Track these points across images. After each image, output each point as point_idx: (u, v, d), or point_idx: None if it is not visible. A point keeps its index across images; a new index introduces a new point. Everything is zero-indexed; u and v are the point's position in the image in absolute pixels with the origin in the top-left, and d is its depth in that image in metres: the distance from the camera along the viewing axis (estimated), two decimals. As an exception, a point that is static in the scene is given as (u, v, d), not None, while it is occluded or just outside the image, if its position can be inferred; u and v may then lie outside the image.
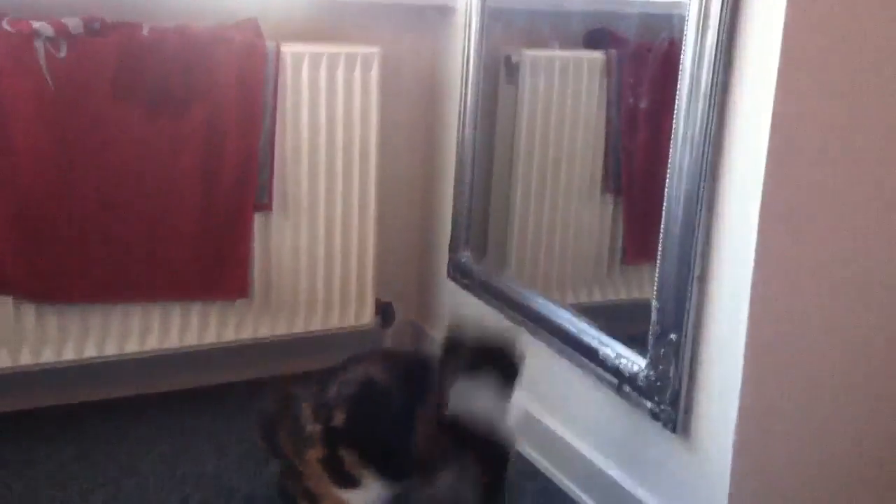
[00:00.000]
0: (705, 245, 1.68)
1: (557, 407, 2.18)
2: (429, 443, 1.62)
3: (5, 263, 2.10)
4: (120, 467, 2.09)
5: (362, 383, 1.69)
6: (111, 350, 2.25)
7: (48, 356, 2.19)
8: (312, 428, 1.67)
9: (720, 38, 1.60)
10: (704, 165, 1.65)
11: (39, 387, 2.29)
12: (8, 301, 2.13)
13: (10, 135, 2.05)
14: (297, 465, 1.69)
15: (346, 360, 1.74)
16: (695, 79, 1.64)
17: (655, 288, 1.78)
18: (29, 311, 2.16)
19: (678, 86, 1.68)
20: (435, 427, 1.61)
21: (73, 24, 2.08)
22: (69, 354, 2.21)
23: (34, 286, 2.14)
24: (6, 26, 2.02)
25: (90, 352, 2.23)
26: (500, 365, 1.65)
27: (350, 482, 1.66)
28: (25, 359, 2.17)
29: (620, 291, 2.35)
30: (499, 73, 2.41)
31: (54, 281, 2.15)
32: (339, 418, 1.66)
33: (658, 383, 1.79)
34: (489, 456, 1.65)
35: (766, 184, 1.56)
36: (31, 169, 2.08)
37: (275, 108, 2.29)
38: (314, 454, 1.67)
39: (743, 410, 1.65)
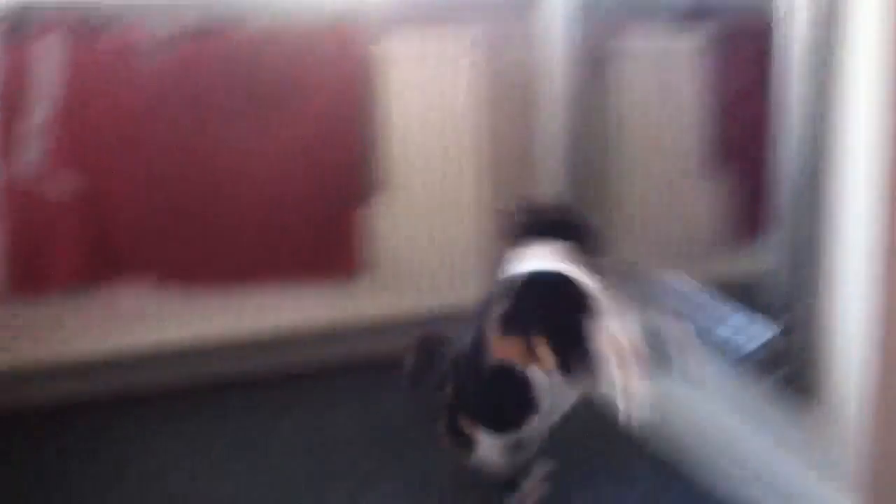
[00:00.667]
0: (822, 213, 1.64)
1: (679, 380, 2.16)
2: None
3: (136, 250, 2.23)
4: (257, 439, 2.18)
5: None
6: (235, 329, 2.36)
7: (181, 334, 2.32)
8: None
9: (828, 6, 1.55)
10: (815, 140, 1.61)
11: (176, 365, 2.40)
12: (140, 284, 2.27)
13: (134, 130, 2.16)
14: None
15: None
16: (801, 51, 1.60)
17: (777, 258, 1.75)
18: (161, 294, 2.29)
19: (782, 60, 1.65)
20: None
21: (175, 30, 2.16)
22: (199, 332, 2.34)
23: (163, 270, 2.27)
24: (115, 37, 2.12)
25: (217, 330, 2.34)
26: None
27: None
28: (163, 337, 2.31)
29: (739, 267, 2.31)
30: (595, 55, 2.39)
31: (183, 265, 2.27)
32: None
33: (787, 352, 1.76)
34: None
35: (880, 147, 1.52)
36: (157, 162, 2.19)
37: (378, 95, 2.34)
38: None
39: (875, 376, 1.62)
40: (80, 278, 2.19)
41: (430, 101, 2.39)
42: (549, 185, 2.59)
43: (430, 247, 2.48)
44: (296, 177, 2.31)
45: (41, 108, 2.09)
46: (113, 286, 2.24)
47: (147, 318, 2.28)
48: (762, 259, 1.87)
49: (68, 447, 2.15)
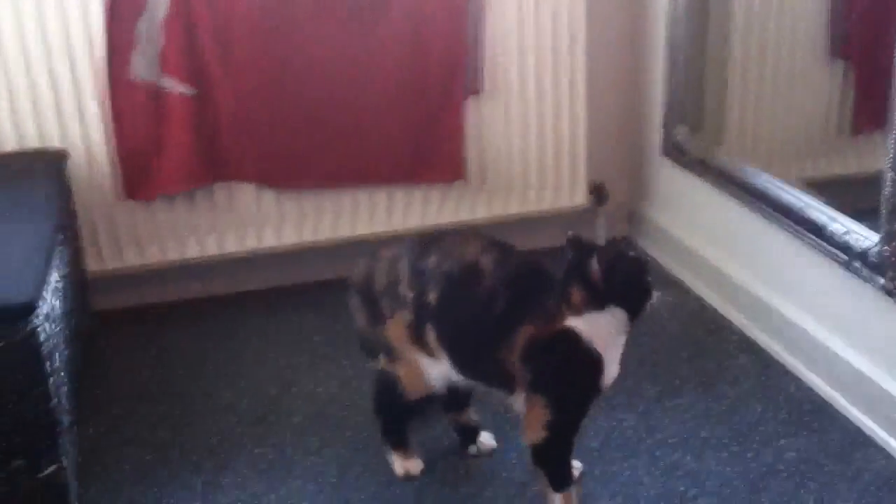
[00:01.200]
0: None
1: (780, 283, 2.13)
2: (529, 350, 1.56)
3: (244, 154, 2.30)
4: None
5: (465, 267, 1.59)
6: (343, 232, 2.42)
7: (288, 238, 2.39)
8: (406, 293, 1.62)
9: None
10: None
11: (284, 266, 2.50)
12: (250, 187, 2.33)
13: (242, 40, 2.21)
14: (387, 318, 1.66)
15: (452, 231, 1.67)
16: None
17: (889, 157, 1.68)
18: (269, 196, 2.35)
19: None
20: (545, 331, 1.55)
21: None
22: (307, 236, 2.41)
23: (271, 174, 2.34)
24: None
25: (324, 234, 2.41)
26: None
27: (428, 352, 1.63)
28: (269, 241, 2.38)
29: (849, 163, 2.23)
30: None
31: (288, 168, 2.34)
32: (432, 296, 1.59)
33: (893, 258, 1.71)
34: None
35: None
36: (260, 67, 2.24)
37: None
38: (405, 316, 1.62)
39: None
40: (190, 183, 2.28)
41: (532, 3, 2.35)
42: (656, 88, 2.52)
43: (528, 151, 2.47)
44: (398, 79, 2.32)
45: (157, 7, 2.15)
46: (220, 190, 2.32)
47: (253, 222, 2.36)
48: (878, 155, 1.81)
49: (178, 342, 2.30)
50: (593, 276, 1.52)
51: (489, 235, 1.66)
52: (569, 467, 1.64)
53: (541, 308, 1.55)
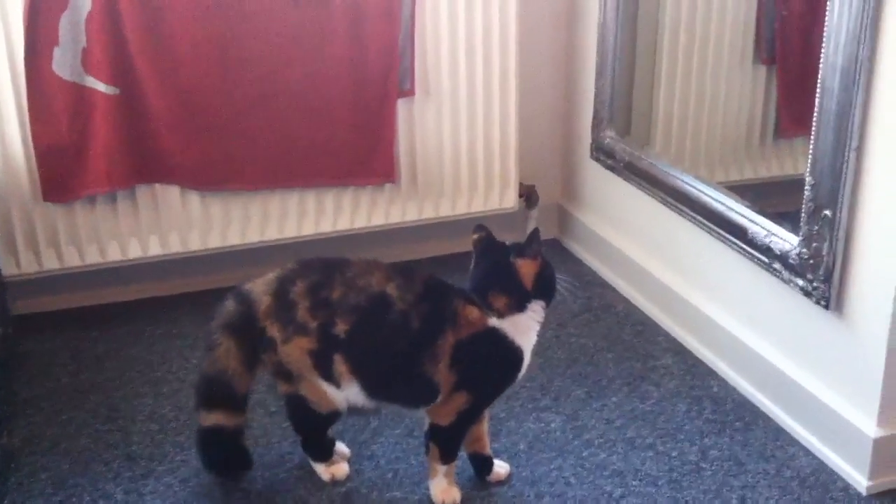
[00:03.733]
0: (863, 115, 1.61)
1: (704, 286, 2.17)
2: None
3: (170, 155, 2.25)
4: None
5: (374, 298, 1.59)
6: (271, 235, 2.38)
7: (215, 241, 2.35)
8: (308, 320, 1.60)
9: None
10: (863, 31, 1.56)
11: (209, 269, 2.46)
12: (175, 189, 2.28)
13: (167, 33, 2.16)
14: (277, 341, 1.63)
15: (348, 260, 1.66)
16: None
17: (809, 162, 1.72)
18: (194, 199, 2.31)
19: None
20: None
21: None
22: (234, 239, 2.36)
23: (197, 175, 2.29)
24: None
25: (253, 236, 2.37)
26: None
27: (334, 382, 1.63)
28: (194, 244, 2.33)
29: (772, 167, 2.28)
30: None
31: (215, 170, 2.29)
32: (341, 328, 1.58)
33: (811, 260, 1.75)
34: None
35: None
36: (188, 66, 2.19)
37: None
38: (304, 343, 1.61)
39: (901, 287, 1.60)
40: (112, 184, 2.21)
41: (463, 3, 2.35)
42: (586, 92, 2.55)
43: (459, 154, 2.47)
44: (329, 80, 2.30)
45: (81, 3, 2.09)
46: (144, 192, 2.27)
47: (177, 225, 2.31)
48: (799, 160, 1.84)
49: (99, 347, 2.25)
50: (524, 282, 1.60)
51: (386, 263, 1.68)
52: (460, 444, 1.71)
53: (454, 316, 1.60)
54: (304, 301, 1.61)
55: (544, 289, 1.63)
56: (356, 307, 1.60)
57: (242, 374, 1.70)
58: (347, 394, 1.65)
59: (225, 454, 1.76)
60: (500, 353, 1.63)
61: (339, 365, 1.62)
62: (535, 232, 1.62)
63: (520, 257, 1.61)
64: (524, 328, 1.63)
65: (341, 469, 1.78)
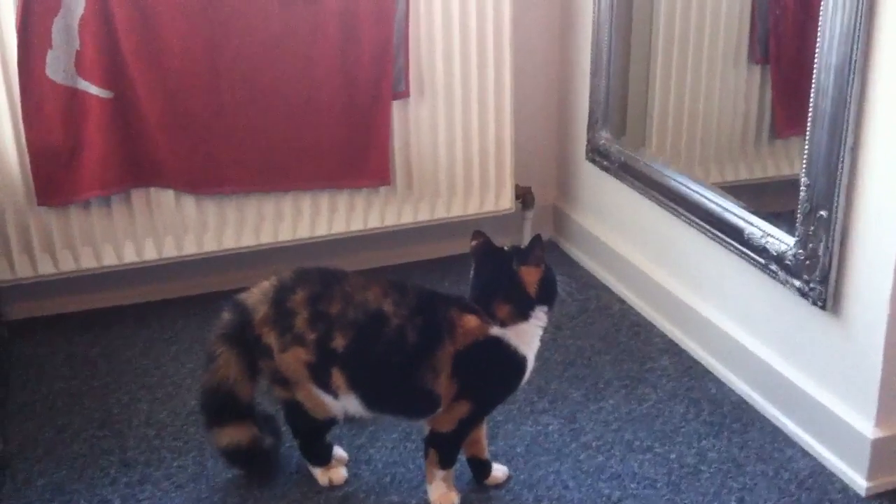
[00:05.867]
0: (858, 115, 1.60)
1: (701, 286, 2.16)
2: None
3: (164, 158, 2.24)
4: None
5: (371, 315, 1.59)
6: (266, 238, 2.38)
7: (209, 245, 2.34)
8: (306, 332, 1.60)
9: None
10: (857, 30, 1.56)
11: (205, 273, 2.45)
12: (168, 193, 2.27)
13: (159, 36, 2.15)
14: (274, 349, 1.63)
15: (346, 273, 1.67)
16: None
17: (805, 162, 1.72)
18: (189, 202, 2.30)
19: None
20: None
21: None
22: (229, 243, 2.35)
23: (191, 178, 2.28)
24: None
25: (248, 240, 2.36)
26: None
27: (331, 393, 1.63)
28: (189, 248, 2.32)
29: (767, 168, 2.28)
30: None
31: (209, 173, 2.28)
32: (339, 342, 1.58)
33: (807, 261, 1.74)
34: None
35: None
36: (180, 68, 2.19)
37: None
38: (301, 354, 1.61)
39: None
40: (106, 188, 2.20)
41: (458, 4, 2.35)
42: (581, 94, 2.54)
43: (454, 156, 2.46)
44: (324, 83, 2.29)
45: (74, 7, 2.08)
46: (138, 196, 2.26)
47: (172, 229, 2.30)
48: (794, 160, 1.84)
49: (94, 352, 2.24)
50: (528, 290, 1.59)
51: (383, 276, 1.69)
52: (459, 449, 1.71)
53: (451, 326, 1.60)
54: (302, 311, 1.61)
55: (547, 294, 1.62)
56: (354, 322, 1.59)
57: (244, 383, 1.69)
58: (345, 404, 1.65)
59: (250, 465, 1.78)
60: (503, 361, 1.61)
61: (337, 378, 1.61)
62: (537, 238, 1.60)
63: (523, 265, 1.59)
64: (527, 336, 1.62)
65: (339, 474, 1.77)
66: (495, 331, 1.60)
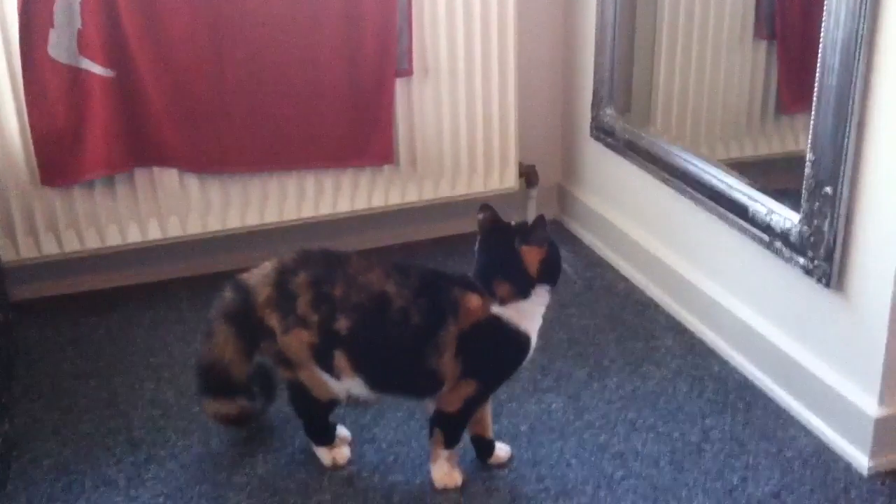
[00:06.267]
0: (864, 91, 1.59)
1: (705, 264, 2.15)
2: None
3: (168, 138, 2.23)
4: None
5: (375, 297, 1.59)
6: (271, 217, 2.37)
7: (213, 224, 2.34)
8: (309, 314, 1.60)
9: None
10: (864, 6, 1.54)
11: (209, 253, 2.45)
12: (172, 173, 2.27)
13: (162, 15, 2.14)
14: (277, 330, 1.63)
15: (349, 254, 1.67)
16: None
17: (810, 139, 1.70)
18: (193, 182, 2.29)
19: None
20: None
21: None
22: (233, 223, 2.35)
23: (195, 158, 2.27)
24: None
25: (252, 219, 2.36)
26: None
27: (334, 374, 1.64)
28: (194, 227, 2.33)
29: (773, 144, 2.26)
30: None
31: (213, 152, 2.28)
32: (343, 324, 1.59)
33: (812, 238, 1.74)
34: None
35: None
36: (183, 47, 2.18)
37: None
38: (305, 336, 1.61)
39: (901, 266, 1.59)
40: (110, 168, 2.21)
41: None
42: (585, 71, 2.53)
43: (458, 135, 2.45)
44: (328, 61, 2.28)
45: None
46: (142, 176, 2.26)
47: (176, 209, 2.30)
48: (800, 136, 1.83)
49: (100, 332, 2.25)
50: (530, 269, 1.58)
51: (384, 258, 1.68)
52: (464, 428, 1.71)
53: (454, 306, 1.60)
54: (305, 293, 1.61)
55: (549, 273, 1.61)
56: (357, 305, 1.59)
57: (239, 363, 1.71)
58: (348, 385, 1.65)
59: (237, 426, 1.84)
60: (505, 340, 1.62)
61: (340, 360, 1.62)
62: (541, 218, 1.59)
63: (525, 244, 1.58)
64: (529, 314, 1.62)
65: (343, 453, 1.78)
66: (496, 309, 1.59)
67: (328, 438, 1.78)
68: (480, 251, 1.64)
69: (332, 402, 1.71)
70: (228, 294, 1.69)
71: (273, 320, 1.63)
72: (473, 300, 1.59)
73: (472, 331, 1.59)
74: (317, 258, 1.66)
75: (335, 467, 1.77)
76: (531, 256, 1.58)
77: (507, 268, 1.59)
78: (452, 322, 1.59)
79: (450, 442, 1.69)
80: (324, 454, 1.78)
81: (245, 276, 1.69)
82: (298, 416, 1.79)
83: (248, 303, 1.65)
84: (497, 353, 1.64)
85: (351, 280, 1.61)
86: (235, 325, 1.68)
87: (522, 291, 1.59)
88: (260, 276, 1.67)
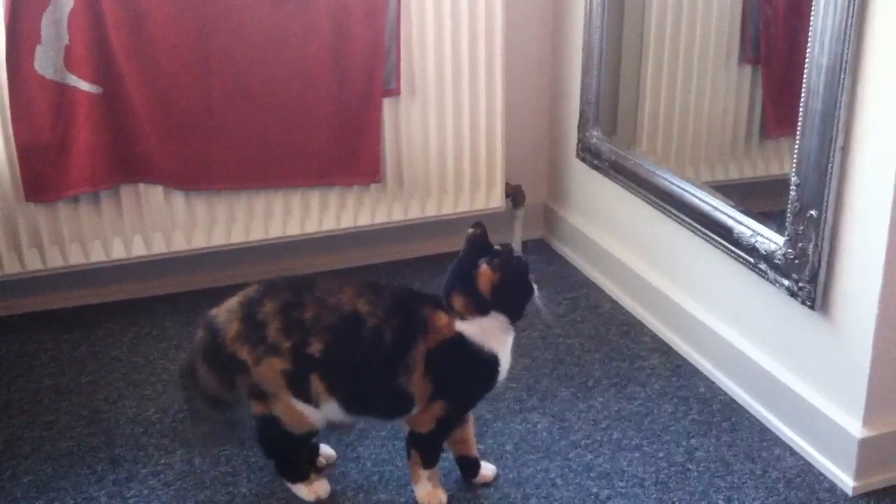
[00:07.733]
0: (848, 115, 1.61)
1: (691, 285, 2.16)
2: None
3: (154, 154, 2.22)
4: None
5: (347, 317, 1.58)
6: (256, 235, 2.37)
7: (199, 241, 2.33)
8: (280, 341, 1.58)
9: None
10: (848, 31, 1.56)
11: (193, 270, 2.44)
12: (158, 189, 2.26)
13: (149, 31, 2.14)
14: (248, 363, 1.60)
15: (314, 277, 1.67)
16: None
17: (795, 162, 1.72)
18: (178, 198, 2.29)
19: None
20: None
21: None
22: (218, 240, 2.34)
23: (181, 175, 2.26)
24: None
25: (237, 237, 2.35)
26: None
27: (310, 401, 1.61)
28: (179, 244, 2.31)
29: (757, 167, 2.28)
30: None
31: (199, 169, 2.27)
32: (315, 347, 1.57)
33: (796, 261, 1.75)
34: None
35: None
36: (170, 64, 2.17)
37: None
38: (277, 364, 1.58)
39: (886, 286, 1.60)
40: (95, 184, 2.19)
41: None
42: (572, 92, 2.54)
43: (445, 154, 2.46)
44: (315, 79, 2.28)
45: (63, 1, 2.06)
46: (127, 192, 2.24)
47: (161, 225, 2.29)
48: (785, 160, 1.84)
49: (82, 349, 2.23)
50: (481, 289, 1.58)
51: (354, 278, 1.67)
52: (441, 448, 1.71)
53: (424, 324, 1.59)
54: (274, 321, 1.59)
55: (503, 301, 1.59)
56: (329, 326, 1.58)
57: (225, 393, 1.69)
58: (325, 411, 1.63)
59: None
60: (471, 359, 1.61)
61: (317, 384, 1.60)
62: (508, 246, 1.60)
63: (485, 263, 1.58)
64: (492, 334, 1.61)
65: (323, 486, 1.74)
66: (459, 326, 1.59)
67: (303, 475, 1.74)
68: (454, 263, 1.64)
69: (307, 435, 1.69)
70: (200, 333, 1.67)
71: (244, 353, 1.60)
72: (442, 318, 1.59)
73: (439, 349, 1.59)
74: (282, 286, 1.64)
75: (319, 501, 1.73)
76: (484, 277, 1.57)
77: (464, 281, 1.59)
78: (422, 340, 1.58)
79: (427, 462, 1.68)
80: (302, 491, 1.74)
81: (214, 311, 1.67)
82: (268, 457, 1.76)
83: (217, 340, 1.63)
84: (464, 372, 1.63)
85: (321, 302, 1.59)
86: (209, 363, 1.66)
87: (479, 308, 1.58)
88: (225, 311, 1.64)
